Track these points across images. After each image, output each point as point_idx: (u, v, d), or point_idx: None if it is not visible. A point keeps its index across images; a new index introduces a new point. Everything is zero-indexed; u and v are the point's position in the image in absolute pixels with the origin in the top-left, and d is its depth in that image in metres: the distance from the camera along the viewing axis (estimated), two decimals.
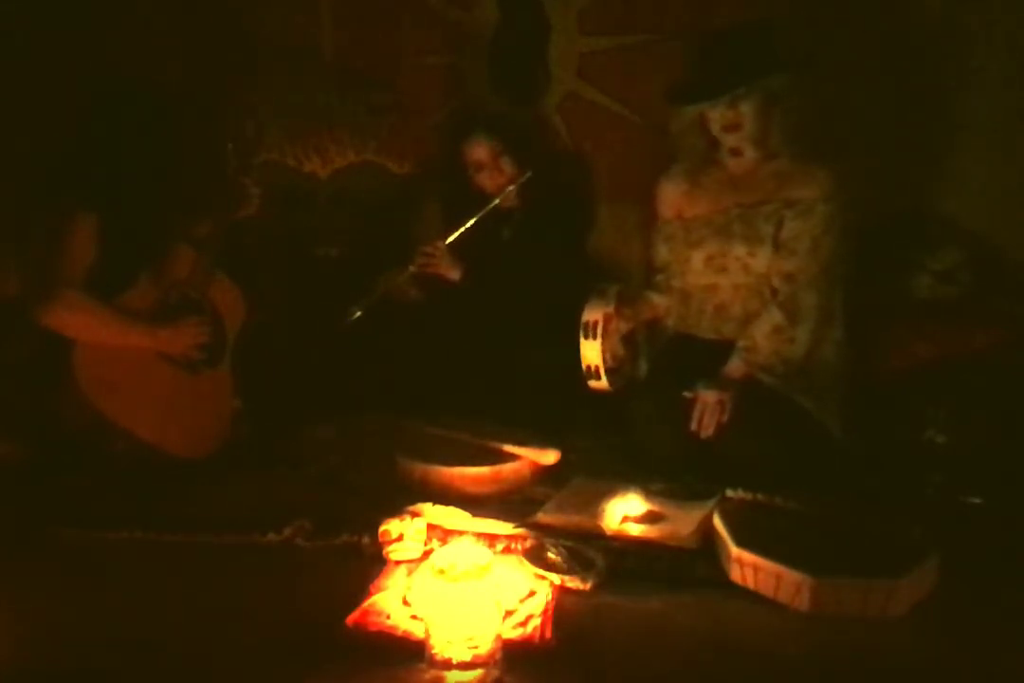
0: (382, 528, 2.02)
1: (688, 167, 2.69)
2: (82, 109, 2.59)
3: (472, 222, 2.88)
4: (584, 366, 2.50)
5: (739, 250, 2.53)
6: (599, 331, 2.47)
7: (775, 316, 2.48)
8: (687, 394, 2.46)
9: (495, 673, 1.57)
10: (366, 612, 1.76)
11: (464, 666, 1.56)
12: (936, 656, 1.69)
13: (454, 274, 2.90)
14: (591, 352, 2.49)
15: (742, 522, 1.98)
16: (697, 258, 2.60)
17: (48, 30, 3.03)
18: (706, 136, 2.57)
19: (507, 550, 2.04)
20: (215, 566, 2.02)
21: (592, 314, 2.50)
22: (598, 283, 2.64)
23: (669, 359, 2.70)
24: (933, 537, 1.93)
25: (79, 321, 2.42)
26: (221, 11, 3.22)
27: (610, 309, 2.55)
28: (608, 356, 2.54)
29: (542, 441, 2.49)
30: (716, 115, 2.48)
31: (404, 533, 2.01)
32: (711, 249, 2.57)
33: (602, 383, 2.52)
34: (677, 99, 2.57)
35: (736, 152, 2.55)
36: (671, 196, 2.70)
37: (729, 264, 2.55)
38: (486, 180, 2.96)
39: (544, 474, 2.45)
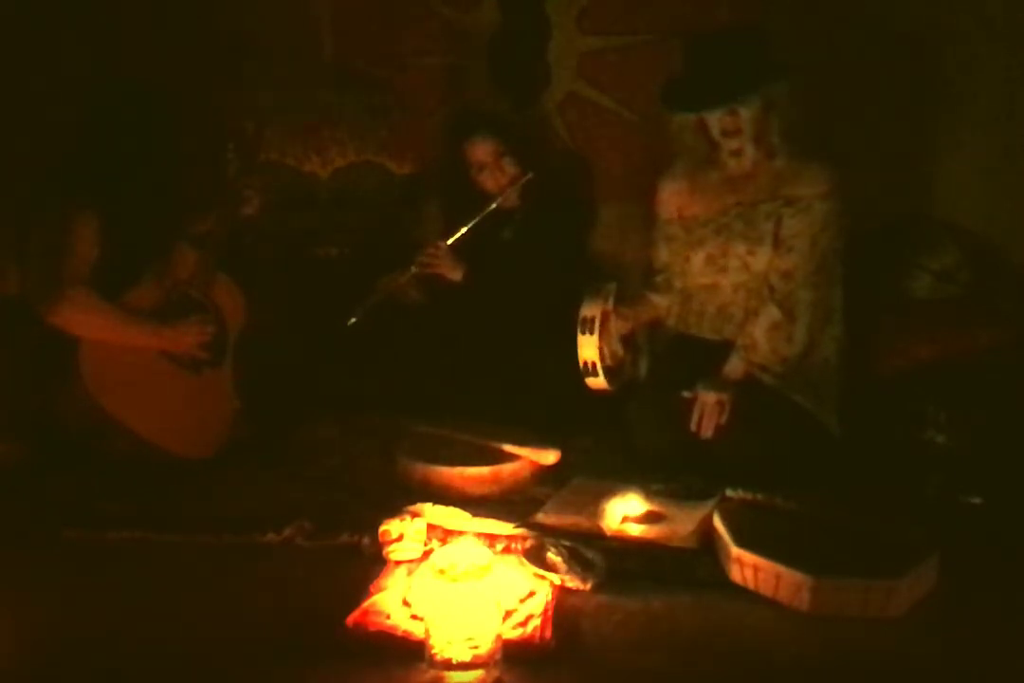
0: (382, 528, 2.02)
1: (688, 167, 2.68)
2: (83, 108, 2.59)
3: (474, 222, 2.88)
4: (581, 362, 2.49)
5: (739, 249, 2.52)
6: (596, 327, 2.47)
7: (773, 313, 2.47)
8: (686, 394, 2.46)
9: (495, 673, 1.57)
10: (366, 612, 1.76)
11: (464, 666, 1.56)
12: (936, 656, 1.69)
13: (456, 274, 2.90)
14: (588, 348, 2.48)
15: (742, 522, 1.98)
16: (697, 258, 2.60)
17: (48, 30, 3.03)
18: (706, 137, 2.57)
19: (507, 550, 2.03)
20: (215, 566, 2.02)
21: (589, 310, 2.50)
22: (594, 281, 2.64)
23: (670, 360, 2.70)
24: (933, 537, 1.93)
25: (86, 319, 2.43)
26: (221, 11, 3.22)
27: (608, 306, 2.55)
28: (607, 354, 2.54)
29: (542, 441, 2.49)
30: (715, 120, 2.48)
31: (404, 533, 2.01)
32: (711, 249, 2.57)
33: (599, 380, 2.51)
34: (675, 106, 2.56)
35: (736, 153, 2.54)
36: (671, 196, 2.69)
37: (729, 263, 2.55)
38: (488, 180, 2.96)
39: (544, 474, 2.45)
